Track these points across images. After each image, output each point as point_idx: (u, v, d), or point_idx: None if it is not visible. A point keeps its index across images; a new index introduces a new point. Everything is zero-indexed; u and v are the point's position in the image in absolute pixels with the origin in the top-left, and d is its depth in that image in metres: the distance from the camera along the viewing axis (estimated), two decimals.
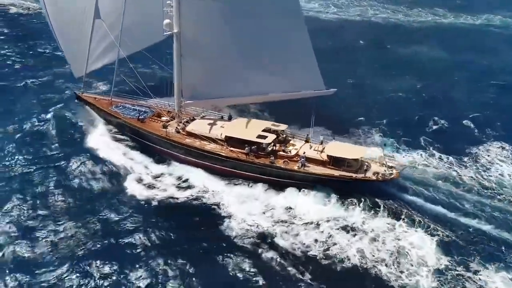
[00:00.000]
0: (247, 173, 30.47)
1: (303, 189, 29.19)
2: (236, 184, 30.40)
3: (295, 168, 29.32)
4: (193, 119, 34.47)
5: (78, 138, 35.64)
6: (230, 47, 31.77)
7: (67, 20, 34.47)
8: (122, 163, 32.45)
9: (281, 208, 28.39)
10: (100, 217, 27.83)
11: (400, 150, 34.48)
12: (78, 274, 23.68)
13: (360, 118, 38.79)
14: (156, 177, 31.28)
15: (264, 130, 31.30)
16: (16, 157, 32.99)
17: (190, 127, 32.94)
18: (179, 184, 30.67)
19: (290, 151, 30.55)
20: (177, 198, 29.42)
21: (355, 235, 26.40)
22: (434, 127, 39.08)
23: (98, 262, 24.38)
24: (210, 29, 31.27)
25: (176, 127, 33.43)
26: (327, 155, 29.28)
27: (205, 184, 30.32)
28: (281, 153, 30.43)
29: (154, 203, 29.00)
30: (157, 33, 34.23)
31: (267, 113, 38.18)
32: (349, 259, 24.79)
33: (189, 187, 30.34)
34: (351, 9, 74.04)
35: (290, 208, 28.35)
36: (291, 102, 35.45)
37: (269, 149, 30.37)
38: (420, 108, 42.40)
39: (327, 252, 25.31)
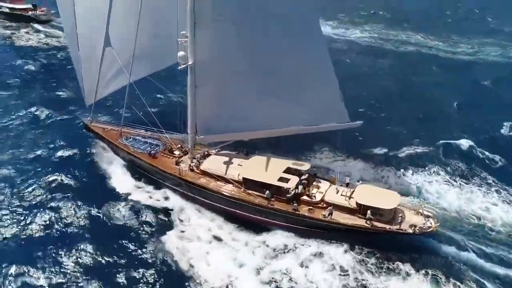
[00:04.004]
0: (266, 220, 27.72)
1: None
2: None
3: (321, 216, 26.43)
4: (208, 155, 31.89)
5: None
6: (246, 78, 28.91)
7: (82, 48, 32.70)
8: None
9: None
10: None
11: (438, 194, 30.66)
12: None
13: (390, 154, 35.33)
14: None
15: (285, 171, 28.52)
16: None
17: (205, 165, 30.32)
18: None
19: (314, 196, 27.67)
20: None
21: None
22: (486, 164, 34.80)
23: None
24: (225, 59, 28.50)
25: (190, 164, 30.86)
26: (357, 203, 26.33)
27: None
28: (305, 197, 27.59)
29: None
30: (165, 59, 33.05)
31: (284, 146, 35.09)
32: None
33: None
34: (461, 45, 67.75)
35: None
36: (311, 135, 32.54)
37: (292, 192, 27.54)
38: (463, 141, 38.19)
39: None
